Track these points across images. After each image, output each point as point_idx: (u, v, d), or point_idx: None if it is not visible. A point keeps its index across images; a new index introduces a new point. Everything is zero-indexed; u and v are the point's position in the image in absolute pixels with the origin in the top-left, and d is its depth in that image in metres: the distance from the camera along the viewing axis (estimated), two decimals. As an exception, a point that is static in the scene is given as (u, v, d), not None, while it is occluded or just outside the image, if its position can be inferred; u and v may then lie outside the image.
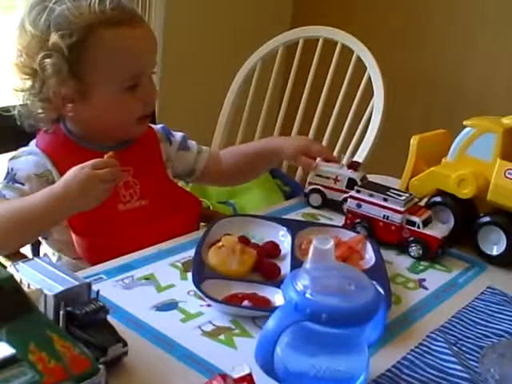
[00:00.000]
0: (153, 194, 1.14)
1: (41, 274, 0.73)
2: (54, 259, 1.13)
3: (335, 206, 1.21)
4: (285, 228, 1.07)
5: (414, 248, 1.06)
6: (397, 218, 1.07)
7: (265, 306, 0.85)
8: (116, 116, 1.10)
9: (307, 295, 0.66)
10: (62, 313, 0.68)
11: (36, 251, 1.25)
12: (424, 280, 1.00)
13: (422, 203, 1.15)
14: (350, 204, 1.12)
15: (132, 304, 0.85)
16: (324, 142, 1.97)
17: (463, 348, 0.82)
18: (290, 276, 0.71)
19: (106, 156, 0.99)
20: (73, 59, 1.03)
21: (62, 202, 0.98)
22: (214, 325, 0.83)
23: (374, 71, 1.90)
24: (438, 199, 1.13)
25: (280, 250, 1.02)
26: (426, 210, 1.10)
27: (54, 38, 1.02)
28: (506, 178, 1.05)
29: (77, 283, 0.71)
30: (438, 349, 0.81)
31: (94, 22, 1.03)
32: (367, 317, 0.68)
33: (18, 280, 0.68)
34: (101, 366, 0.60)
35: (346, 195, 1.17)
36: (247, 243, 1.00)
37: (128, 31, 1.06)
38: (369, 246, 1.02)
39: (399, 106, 2.17)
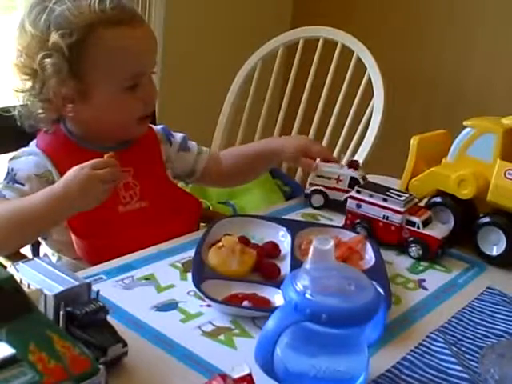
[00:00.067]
0: (153, 195, 1.14)
1: (41, 274, 0.73)
2: (53, 259, 1.13)
3: (337, 206, 1.20)
4: (285, 228, 1.07)
5: (413, 248, 1.06)
6: (397, 219, 1.07)
7: (265, 307, 0.85)
8: (116, 116, 1.10)
9: (307, 295, 0.67)
10: (61, 313, 0.68)
11: (36, 251, 1.25)
12: (424, 280, 1.00)
13: (422, 203, 1.15)
14: (350, 204, 1.12)
15: (132, 304, 0.85)
16: (324, 142, 1.97)
17: (463, 348, 0.83)
18: (289, 276, 0.71)
19: (106, 156, 0.99)
20: (73, 59, 1.03)
21: (62, 202, 0.98)
22: (213, 325, 0.83)
23: (374, 71, 1.90)
24: (438, 199, 1.13)
25: (280, 251, 1.02)
26: (426, 211, 1.10)
27: (54, 37, 1.02)
28: (506, 178, 1.05)
29: (77, 283, 0.71)
30: (438, 349, 0.81)
31: (94, 22, 1.03)
32: (367, 317, 0.68)
33: (18, 280, 0.68)
34: (101, 366, 0.60)
35: (348, 195, 1.16)
36: (247, 243, 1.00)
37: (128, 31, 1.06)
38: (369, 247, 1.02)
39: (399, 107, 2.17)
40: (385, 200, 1.08)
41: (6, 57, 1.10)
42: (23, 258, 0.89)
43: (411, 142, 1.19)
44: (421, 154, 1.18)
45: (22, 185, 1.06)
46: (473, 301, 0.95)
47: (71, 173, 0.98)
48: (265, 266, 0.96)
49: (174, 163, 1.23)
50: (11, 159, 1.11)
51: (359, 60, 1.94)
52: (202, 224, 1.21)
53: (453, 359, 0.78)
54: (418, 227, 1.06)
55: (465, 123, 1.12)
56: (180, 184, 1.32)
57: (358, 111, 1.94)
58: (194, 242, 1.01)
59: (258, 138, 2.05)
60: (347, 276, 0.72)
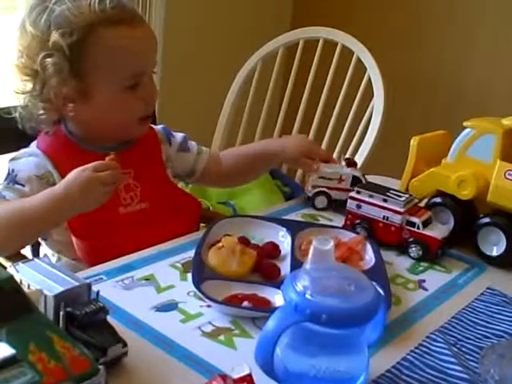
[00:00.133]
0: (153, 196, 1.14)
1: (41, 275, 0.73)
2: (53, 260, 1.13)
3: (341, 206, 1.20)
4: (285, 229, 1.07)
5: (413, 249, 1.06)
6: (397, 219, 1.07)
7: (265, 307, 0.85)
8: (117, 116, 1.10)
9: (307, 296, 0.67)
10: (61, 313, 0.68)
11: (36, 252, 1.25)
12: (424, 281, 1.00)
13: (422, 204, 1.15)
14: (350, 205, 1.12)
15: (132, 304, 0.85)
16: (324, 143, 1.97)
17: (463, 349, 0.83)
18: (289, 277, 0.71)
19: (107, 158, 0.99)
20: (73, 58, 1.03)
21: (63, 203, 0.98)
22: (213, 325, 0.83)
23: (374, 72, 1.90)
24: (438, 200, 1.13)
25: (280, 251, 1.02)
26: (426, 211, 1.10)
27: (54, 36, 1.02)
28: (506, 179, 1.05)
29: (77, 284, 0.71)
30: (438, 349, 0.81)
31: (95, 21, 1.03)
32: (367, 317, 0.68)
33: (18, 280, 0.68)
34: (101, 367, 0.60)
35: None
36: (247, 244, 1.00)
37: (128, 30, 1.06)
38: (369, 247, 1.02)
39: (399, 107, 2.18)
40: (385, 200, 1.08)
41: (7, 57, 1.10)
42: (23, 258, 0.90)
43: (411, 142, 1.19)
44: (421, 154, 1.18)
45: (23, 186, 1.06)
46: (473, 301, 0.95)
47: (72, 174, 0.98)
48: (265, 266, 0.96)
49: (174, 163, 1.23)
50: (11, 160, 1.11)
51: (359, 60, 1.94)
52: (201, 224, 1.21)
53: (453, 359, 0.78)
54: (418, 228, 1.06)
55: (465, 124, 1.12)
56: (180, 184, 1.32)
57: (358, 112, 1.94)
58: (194, 242, 1.01)
59: (258, 138, 2.05)
60: (347, 276, 0.72)
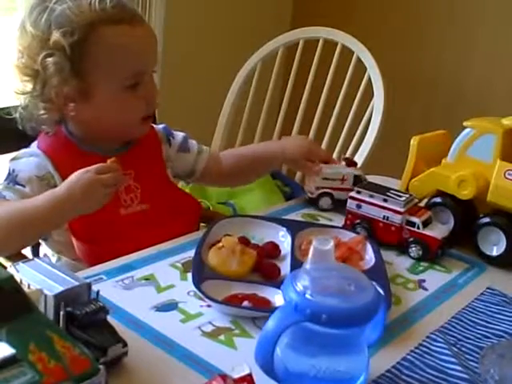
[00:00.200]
0: (153, 197, 1.14)
1: (41, 275, 0.73)
2: (53, 260, 1.13)
3: (343, 206, 1.20)
4: (285, 229, 1.07)
5: (413, 249, 1.06)
6: (397, 219, 1.07)
7: (265, 307, 0.85)
8: (118, 115, 1.10)
9: (307, 296, 0.67)
10: (62, 313, 0.68)
11: (36, 252, 1.25)
12: (424, 281, 1.00)
13: (422, 204, 1.15)
14: (350, 205, 1.12)
15: (132, 304, 0.85)
16: (324, 143, 1.97)
17: (463, 349, 0.83)
18: (289, 276, 0.71)
19: (108, 161, 0.99)
20: (74, 58, 1.03)
21: (65, 205, 0.98)
22: (213, 325, 0.83)
23: (374, 72, 1.90)
24: (438, 200, 1.13)
25: (280, 251, 1.02)
26: (426, 211, 1.10)
27: (55, 36, 1.02)
28: (506, 178, 1.05)
29: (77, 283, 0.71)
30: (438, 349, 0.81)
31: (95, 20, 1.03)
32: (367, 317, 0.68)
33: (18, 280, 0.68)
34: (101, 367, 0.60)
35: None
36: (247, 244, 1.00)
37: (128, 29, 1.06)
38: (369, 247, 1.02)
39: (399, 107, 2.18)
40: (385, 200, 1.08)
41: (7, 58, 1.10)
42: (23, 258, 0.89)
43: (411, 142, 1.19)
44: (421, 154, 1.18)
45: (23, 186, 1.06)
46: (473, 301, 0.95)
47: (74, 176, 0.98)
48: (265, 266, 0.96)
49: (174, 163, 1.23)
50: (12, 160, 1.11)
51: (359, 60, 1.94)
52: (202, 224, 1.21)
53: (453, 359, 0.78)
54: (418, 227, 1.06)
55: (465, 124, 1.12)
56: (180, 183, 1.32)
57: (358, 112, 1.94)
58: (194, 242, 1.01)
59: (258, 138, 2.05)
60: (347, 276, 0.72)
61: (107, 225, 1.07)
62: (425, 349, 0.81)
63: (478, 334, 0.87)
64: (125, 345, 0.71)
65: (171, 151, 1.23)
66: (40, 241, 1.15)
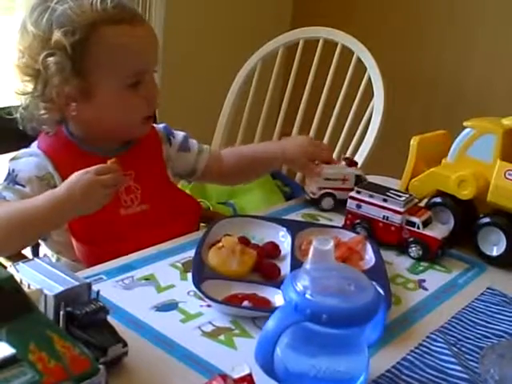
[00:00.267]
0: (153, 198, 1.14)
1: (41, 275, 0.73)
2: (52, 260, 1.13)
3: (341, 206, 1.20)
4: (285, 229, 1.07)
5: (413, 249, 1.06)
6: (397, 219, 1.07)
7: (265, 307, 0.85)
8: (120, 115, 1.10)
9: (307, 296, 0.67)
10: (62, 313, 0.68)
11: (36, 252, 1.25)
12: (424, 281, 1.00)
13: (422, 204, 1.15)
14: (350, 205, 1.12)
15: (132, 304, 0.85)
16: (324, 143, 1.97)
17: (463, 349, 0.83)
18: (289, 276, 0.71)
19: (109, 162, 0.99)
20: (76, 57, 1.03)
21: (65, 205, 0.98)
22: (213, 325, 0.83)
23: (374, 72, 1.90)
24: (438, 200, 1.13)
25: (280, 251, 1.02)
26: (426, 211, 1.10)
27: (56, 35, 1.02)
28: (506, 178, 1.05)
29: (77, 283, 0.71)
30: (438, 349, 0.81)
31: (96, 20, 1.04)
32: (367, 317, 0.68)
33: (19, 280, 0.68)
34: (101, 366, 0.60)
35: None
36: (247, 244, 1.00)
37: (129, 29, 1.07)
38: (369, 247, 1.02)
39: (399, 107, 2.18)
40: (385, 200, 1.08)
41: (7, 58, 1.10)
42: (23, 258, 0.89)
43: (411, 142, 1.19)
44: (421, 154, 1.18)
45: (23, 186, 1.06)
46: (473, 301, 0.95)
47: (74, 177, 0.98)
48: (265, 266, 0.96)
49: (175, 162, 1.23)
50: (12, 159, 1.11)
51: (359, 60, 1.94)
52: (202, 224, 1.21)
53: (453, 359, 0.78)
54: (418, 227, 1.06)
55: (465, 124, 1.12)
56: (181, 183, 1.32)
57: (358, 112, 1.94)
58: (194, 242, 1.01)
59: (258, 138, 2.05)
60: (347, 276, 0.72)
61: (107, 225, 1.07)
62: (425, 349, 0.81)
63: (478, 334, 0.87)
64: (125, 345, 0.71)
65: (171, 151, 1.23)
66: (40, 241, 1.15)
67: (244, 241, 1.00)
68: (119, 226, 1.09)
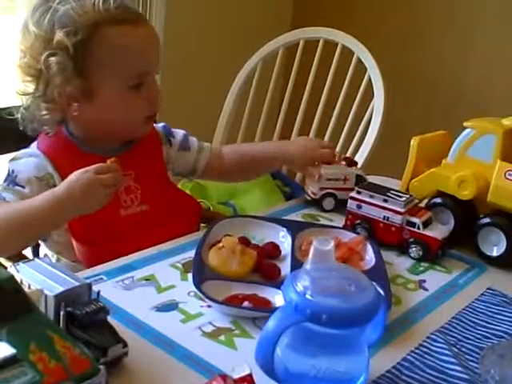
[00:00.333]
0: (153, 198, 1.14)
1: (41, 275, 0.73)
2: (52, 261, 1.13)
3: (344, 206, 1.20)
4: (285, 229, 1.07)
5: (414, 249, 1.06)
6: (397, 219, 1.07)
7: (265, 307, 0.85)
8: (121, 115, 1.10)
9: (307, 296, 0.67)
10: (62, 313, 0.68)
11: (36, 253, 1.25)
12: (424, 281, 1.00)
13: (422, 204, 1.15)
14: (351, 205, 1.12)
15: (132, 305, 0.85)
16: (324, 143, 1.96)
17: (463, 349, 0.83)
18: (290, 277, 0.71)
19: (108, 161, 0.99)
20: (78, 57, 1.03)
21: (64, 204, 0.98)
22: (214, 325, 0.83)
23: (374, 72, 1.90)
24: (438, 200, 1.13)
25: (280, 251, 1.02)
26: (426, 211, 1.10)
27: (58, 35, 1.02)
28: (507, 179, 1.05)
29: (77, 284, 0.71)
30: (438, 350, 0.81)
31: (99, 21, 1.04)
32: (367, 318, 0.68)
33: (19, 280, 0.68)
34: (101, 367, 0.60)
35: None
36: (247, 244, 1.00)
37: (131, 29, 1.07)
38: (369, 247, 1.02)
39: (399, 107, 2.18)
40: (385, 201, 1.08)
41: (7, 58, 1.10)
42: (24, 258, 0.89)
43: (411, 142, 1.19)
44: (421, 154, 1.18)
45: (23, 187, 1.06)
46: (473, 301, 0.95)
47: (74, 176, 0.98)
48: (265, 266, 0.96)
49: (175, 163, 1.24)
50: (11, 160, 1.11)
51: (359, 61, 1.94)
52: (202, 225, 1.21)
53: (453, 360, 0.78)
54: (419, 228, 1.06)
55: (465, 124, 1.12)
56: (181, 182, 1.32)
57: (359, 112, 1.94)
58: (195, 242, 1.01)
59: (258, 138, 2.05)
60: (347, 277, 0.72)
61: (107, 226, 1.07)
62: (425, 349, 0.81)
63: (478, 334, 0.87)
64: (125, 345, 0.71)
65: (172, 151, 1.23)
66: (40, 242, 1.15)
67: (244, 241, 1.00)
68: (119, 226, 1.09)
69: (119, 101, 1.08)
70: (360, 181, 1.20)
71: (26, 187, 1.06)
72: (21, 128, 1.11)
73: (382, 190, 1.11)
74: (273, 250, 1.02)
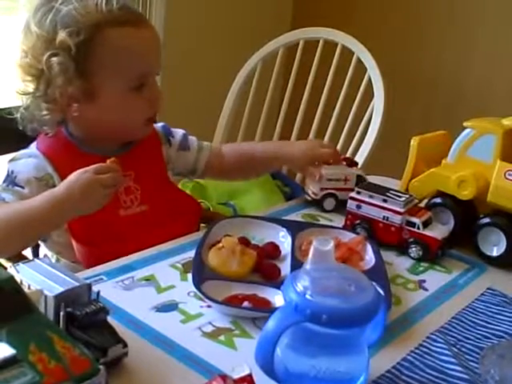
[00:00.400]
0: (153, 198, 1.14)
1: (41, 275, 0.73)
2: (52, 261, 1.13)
3: (341, 207, 1.20)
4: (285, 229, 1.07)
5: (413, 249, 1.06)
6: (397, 219, 1.07)
7: (265, 307, 0.85)
8: (122, 117, 1.10)
9: (307, 296, 0.67)
10: (62, 314, 0.68)
11: (36, 253, 1.25)
12: (424, 281, 1.00)
13: (422, 204, 1.15)
14: (350, 205, 1.12)
15: (132, 305, 0.85)
16: (324, 144, 1.96)
17: (463, 349, 0.83)
18: (290, 277, 0.71)
19: (108, 161, 0.99)
20: (80, 58, 1.03)
21: (64, 204, 0.98)
22: (214, 326, 0.83)
23: (374, 72, 1.90)
24: (438, 200, 1.13)
25: (280, 251, 1.02)
26: (426, 211, 1.10)
27: (61, 36, 1.02)
28: (506, 179, 1.05)
29: (77, 284, 0.71)
30: (438, 350, 0.81)
31: (101, 22, 1.04)
32: (367, 318, 0.68)
33: (19, 281, 0.68)
34: (101, 367, 0.60)
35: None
36: (247, 244, 1.00)
37: (134, 31, 1.07)
38: (369, 247, 1.02)
39: (399, 108, 2.18)
40: (385, 201, 1.08)
41: (8, 57, 1.10)
42: (23, 259, 0.89)
43: (411, 142, 1.19)
44: (421, 154, 1.18)
45: (22, 188, 1.06)
46: (473, 301, 0.95)
47: (74, 176, 0.98)
48: (265, 266, 0.96)
49: (175, 163, 1.24)
50: (11, 161, 1.11)
51: (359, 61, 1.94)
52: (202, 225, 1.21)
53: (453, 360, 0.78)
54: (418, 228, 1.06)
55: (465, 124, 1.12)
56: (182, 182, 1.32)
57: (358, 112, 1.94)
58: (194, 242, 1.01)
59: (258, 138, 2.05)
60: (347, 277, 0.72)
61: (107, 226, 1.07)
62: (425, 349, 0.81)
63: (478, 334, 0.87)
64: (125, 345, 0.71)
65: (171, 151, 1.23)
66: (39, 242, 1.15)
67: (244, 241, 1.00)
68: (119, 226, 1.09)
69: (120, 102, 1.08)
70: (360, 181, 1.20)
71: (25, 188, 1.06)
72: (20, 128, 1.10)
73: (382, 190, 1.11)
74: (273, 250, 1.02)
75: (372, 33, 2.37)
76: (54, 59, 1.03)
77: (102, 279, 0.91)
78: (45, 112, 1.08)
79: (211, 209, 1.74)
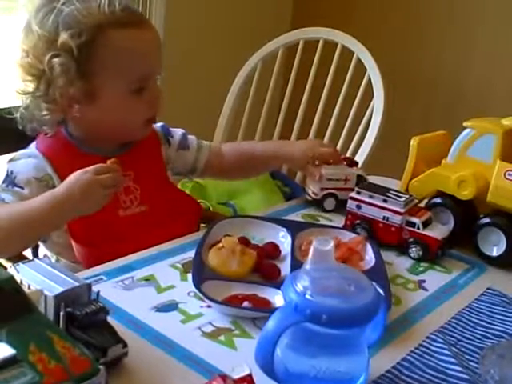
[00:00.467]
0: (153, 199, 1.14)
1: (41, 275, 0.73)
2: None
3: (342, 207, 1.20)
4: (285, 229, 1.07)
5: (413, 249, 1.06)
6: (397, 219, 1.07)
7: (265, 307, 0.85)
8: (123, 118, 1.10)
9: (307, 296, 0.67)
10: (62, 314, 0.68)
11: (35, 253, 1.25)
12: (424, 281, 1.00)
13: (422, 204, 1.15)
14: (350, 205, 1.12)
15: (132, 305, 0.85)
16: (324, 143, 1.96)
17: (463, 349, 0.83)
18: (290, 277, 0.71)
19: (108, 161, 0.99)
20: (81, 59, 1.03)
21: (64, 205, 0.98)
22: (214, 326, 0.83)
23: (374, 72, 1.90)
24: (438, 200, 1.13)
25: (280, 251, 1.02)
26: (426, 211, 1.10)
27: (63, 37, 1.02)
28: (506, 179, 1.05)
29: (77, 284, 0.71)
30: (438, 350, 0.81)
31: (103, 23, 1.03)
32: (367, 318, 0.68)
33: (19, 281, 0.68)
34: (101, 367, 0.60)
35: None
36: (247, 244, 1.00)
37: (136, 32, 1.07)
38: (369, 247, 1.02)
39: (399, 108, 2.18)
40: (385, 201, 1.08)
41: (8, 57, 1.10)
42: (24, 259, 0.89)
43: (411, 142, 1.19)
44: (421, 154, 1.18)
45: (22, 188, 1.06)
46: (473, 301, 0.95)
47: (73, 177, 0.98)
48: (265, 266, 0.96)
49: (174, 163, 1.24)
50: (10, 161, 1.11)
51: (359, 61, 1.94)
52: (202, 225, 1.21)
53: (453, 360, 0.78)
54: (418, 228, 1.06)
55: (465, 124, 1.12)
56: (181, 182, 1.32)
57: (358, 112, 1.94)
58: (194, 242, 1.01)
59: (258, 138, 2.05)
60: (347, 277, 0.72)
61: (106, 226, 1.07)
62: (425, 349, 0.81)
63: (478, 334, 0.87)
64: (125, 345, 0.71)
65: (171, 151, 1.23)
66: (39, 242, 1.15)
67: (244, 241, 1.00)
68: (118, 226, 1.09)
69: (121, 103, 1.08)
70: (361, 181, 1.20)
71: (25, 188, 1.06)
72: (20, 127, 1.10)
73: (382, 190, 1.11)
74: (273, 250, 1.02)
75: (372, 33, 2.37)
76: (56, 60, 1.03)
77: (101, 279, 0.91)
78: (45, 112, 1.08)
79: (211, 209, 1.74)
